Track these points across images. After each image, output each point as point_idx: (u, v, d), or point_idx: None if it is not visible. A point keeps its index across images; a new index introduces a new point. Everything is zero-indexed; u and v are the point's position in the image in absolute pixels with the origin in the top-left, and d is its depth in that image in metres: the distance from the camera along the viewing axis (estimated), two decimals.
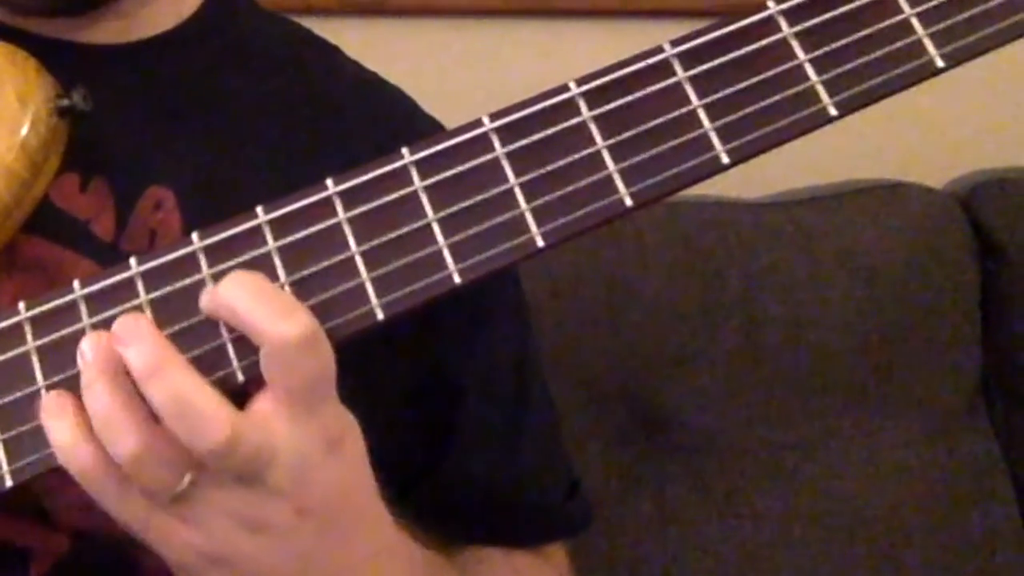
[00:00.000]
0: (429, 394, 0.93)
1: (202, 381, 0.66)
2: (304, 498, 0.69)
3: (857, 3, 0.69)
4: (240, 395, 0.68)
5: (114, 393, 0.66)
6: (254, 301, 0.67)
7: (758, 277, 1.53)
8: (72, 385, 0.68)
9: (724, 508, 1.49)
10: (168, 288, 0.69)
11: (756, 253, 1.54)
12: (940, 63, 0.69)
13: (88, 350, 0.67)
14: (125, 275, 0.70)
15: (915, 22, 0.69)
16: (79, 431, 0.67)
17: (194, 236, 0.70)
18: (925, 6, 0.69)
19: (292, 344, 0.66)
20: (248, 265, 0.69)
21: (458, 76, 1.78)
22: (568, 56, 1.75)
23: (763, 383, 1.51)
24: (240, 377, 0.68)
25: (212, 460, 0.66)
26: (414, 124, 0.94)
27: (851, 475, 1.52)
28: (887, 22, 0.69)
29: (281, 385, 0.67)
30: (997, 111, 1.90)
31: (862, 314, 1.56)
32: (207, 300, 0.68)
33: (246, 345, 0.68)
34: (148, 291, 0.69)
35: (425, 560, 0.83)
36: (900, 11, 0.69)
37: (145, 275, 0.69)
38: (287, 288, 0.68)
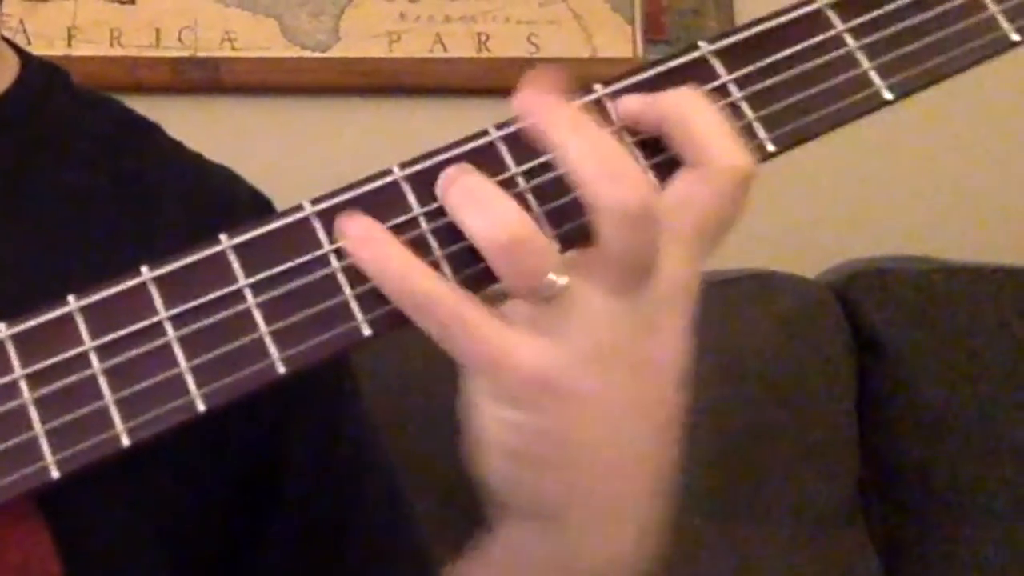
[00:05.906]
0: (261, 485, 0.97)
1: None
2: (662, 343, 0.71)
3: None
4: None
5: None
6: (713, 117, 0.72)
7: None
8: None
9: None
10: None
11: None
12: None
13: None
14: None
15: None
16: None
17: (1, 326, 0.73)
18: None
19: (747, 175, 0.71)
20: (64, 359, 0.72)
21: (295, 154, 1.84)
22: (407, 133, 1.80)
23: None
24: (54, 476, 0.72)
25: (620, 227, 0.68)
26: (236, 202, 0.99)
27: None
28: None
29: (693, 222, 0.71)
30: (872, 196, 1.96)
31: (731, 413, 1.61)
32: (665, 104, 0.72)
33: (61, 438, 0.72)
34: None
35: None
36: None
37: None
38: (101, 377, 0.72)
